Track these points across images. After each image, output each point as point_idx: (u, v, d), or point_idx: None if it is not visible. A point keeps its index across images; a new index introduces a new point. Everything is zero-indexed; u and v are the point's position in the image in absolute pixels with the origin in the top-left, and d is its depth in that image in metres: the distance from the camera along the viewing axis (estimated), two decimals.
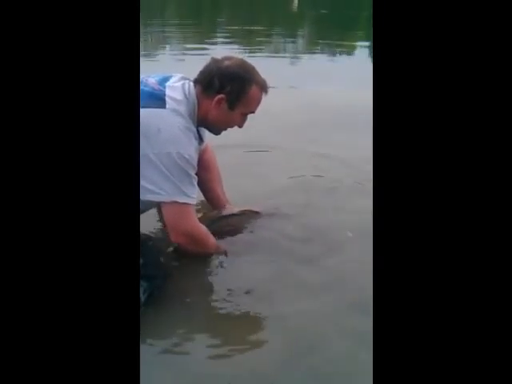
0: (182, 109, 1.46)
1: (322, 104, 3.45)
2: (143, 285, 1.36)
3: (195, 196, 1.50)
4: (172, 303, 1.40)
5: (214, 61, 1.55)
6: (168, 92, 1.47)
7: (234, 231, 1.77)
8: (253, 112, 1.58)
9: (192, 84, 1.54)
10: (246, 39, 7.48)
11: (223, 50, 5.57)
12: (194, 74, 1.57)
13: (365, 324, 1.18)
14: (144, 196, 1.41)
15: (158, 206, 1.60)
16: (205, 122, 1.57)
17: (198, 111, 1.52)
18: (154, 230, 1.76)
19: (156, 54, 5.84)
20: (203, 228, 1.56)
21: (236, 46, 6.42)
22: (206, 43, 6.58)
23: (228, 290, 1.46)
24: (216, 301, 1.43)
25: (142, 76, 1.51)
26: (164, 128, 1.41)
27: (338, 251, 1.68)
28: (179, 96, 1.47)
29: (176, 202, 1.44)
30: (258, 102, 1.56)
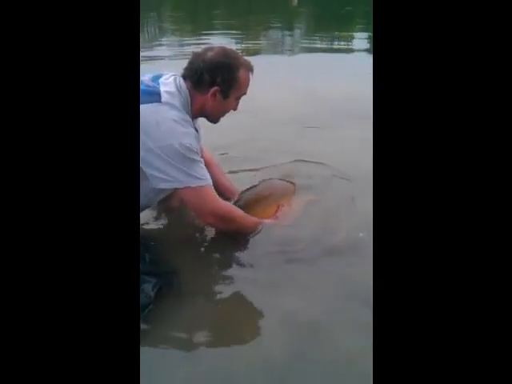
0: (176, 101, 1.49)
1: (320, 96, 3.43)
2: (152, 281, 1.37)
3: (207, 177, 1.52)
4: (180, 298, 1.41)
5: (197, 55, 1.57)
6: (162, 87, 1.51)
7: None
8: (245, 93, 1.62)
9: (182, 78, 1.56)
10: (244, 31, 7.44)
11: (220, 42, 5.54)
12: None
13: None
14: (157, 184, 1.46)
15: (161, 200, 1.64)
16: (202, 113, 1.62)
17: (192, 104, 1.56)
18: (160, 227, 1.78)
19: (152, 47, 5.81)
20: (226, 204, 1.61)
21: (233, 40, 6.39)
22: (203, 34, 6.55)
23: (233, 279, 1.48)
24: (222, 295, 1.45)
25: None
26: (161, 121, 1.43)
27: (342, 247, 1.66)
28: (172, 89, 1.51)
29: (189, 187, 1.47)
30: (248, 83, 1.60)
